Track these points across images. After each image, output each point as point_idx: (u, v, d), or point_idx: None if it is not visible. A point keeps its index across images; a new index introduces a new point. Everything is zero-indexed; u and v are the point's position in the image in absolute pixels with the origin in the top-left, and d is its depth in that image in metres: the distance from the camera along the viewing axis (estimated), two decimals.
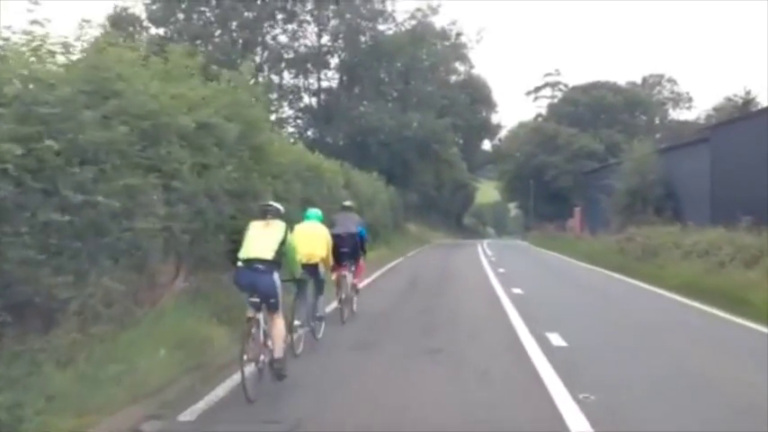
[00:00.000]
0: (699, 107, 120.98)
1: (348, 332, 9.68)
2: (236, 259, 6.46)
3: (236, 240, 8.26)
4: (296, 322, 7.96)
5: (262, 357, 6.20)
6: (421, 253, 32.59)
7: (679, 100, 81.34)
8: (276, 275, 6.35)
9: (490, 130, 50.91)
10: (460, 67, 47.81)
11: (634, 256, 21.23)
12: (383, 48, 40.50)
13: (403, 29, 42.58)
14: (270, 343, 6.33)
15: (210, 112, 10.61)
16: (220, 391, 6.31)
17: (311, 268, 8.38)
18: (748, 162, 21.04)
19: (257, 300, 6.19)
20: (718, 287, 13.54)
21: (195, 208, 9.52)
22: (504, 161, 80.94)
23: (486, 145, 67.99)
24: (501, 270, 20.41)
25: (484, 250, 35.76)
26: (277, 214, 6.70)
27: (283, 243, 6.44)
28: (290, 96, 44.28)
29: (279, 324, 6.46)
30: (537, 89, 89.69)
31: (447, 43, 43.44)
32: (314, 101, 42.66)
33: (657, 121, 79.06)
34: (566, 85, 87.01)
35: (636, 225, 27.68)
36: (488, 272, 20.06)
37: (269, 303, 6.27)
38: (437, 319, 10.94)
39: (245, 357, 5.94)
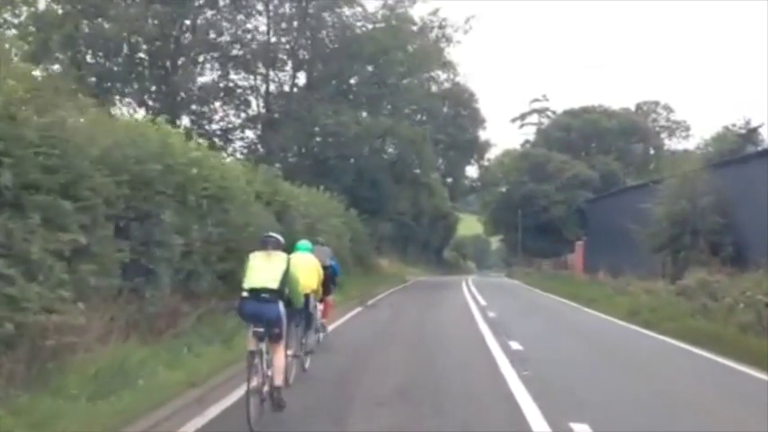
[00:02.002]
0: (696, 136, 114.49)
1: None
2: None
3: None
4: (288, 352, 7.32)
5: (265, 388, 6.04)
6: (388, 300, 23.42)
7: (676, 128, 73.58)
8: (281, 305, 6.23)
9: (478, 147, 42.04)
10: (443, 74, 39.27)
11: (736, 323, 12.20)
12: (349, 43, 31.80)
13: (373, 24, 33.82)
14: (270, 372, 6.16)
15: None
16: None
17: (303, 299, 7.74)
18: None
19: (262, 329, 6.04)
20: None
21: None
22: (489, 190, 72.64)
23: (471, 171, 59.34)
24: (514, 345, 11.31)
25: (472, 294, 26.65)
26: (278, 245, 6.55)
27: (286, 274, 6.33)
28: (237, 101, 35.25)
29: (281, 354, 6.36)
30: (523, 116, 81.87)
31: (431, 34, 34.50)
32: (261, 105, 33.57)
33: (652, 151, 71.03)
34: (554, 112, 79.36)
35: (699, 267, 19.05)
36: (495, 351, 10.85)
37: (273, 333, 6.15)
38: None
39: (249, 388, 5.78)
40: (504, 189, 71.90)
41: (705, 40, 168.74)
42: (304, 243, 9.31)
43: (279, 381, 6.24)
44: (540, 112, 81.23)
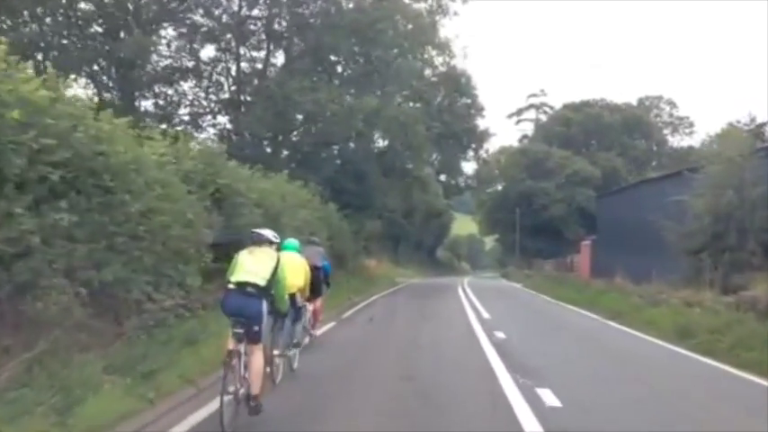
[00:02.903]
0: (701, 132, 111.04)
1: None
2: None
3: None
4: (275, 352, 7.65)
5: (242, 390, 5.80)
6: (370, 310, 19.28)
7: (679, 125, 69.69)
8: (265, 304, 6.03)
9: (476, 137, 37.91)
10: (438, 57, 35.07)
11: None
12: (331, 14, 27.59)
13: None
14: (248, 375, 5.89)
15: None
16: None
17: (289, 298, 7.60)
18: None
19: (241, 330, 5.80)
20: None
21: None
22: (485, 188, 68.82)
23: (467, 168, 55.11)
24: (547, 398, 7.24)
25: (470, 301, 22.66)
26: (261, 240, 6.41)
27: (275, 273, 6.11)
28: (208, 83, 31.05)
29: (258, 358, 6.02)
30: (520, 111, 77.94)
31: (424, 4, 30.23)
32: (231, 84, 29.19)
33: (655, 148, 67.10)
34: (551, 108, 75.50)
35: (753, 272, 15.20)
36: (520, 410, 6.73)
37: (252, 332, 5.85)
38: None
39: (223, 390, 5.47)
40: (500, 187, 68.03)
41: (707, 36, 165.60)
42: (291, 242, 9.03)
43: (255, 389, 5.93)
44: (538, 107, 77.36)
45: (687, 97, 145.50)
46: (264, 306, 5.97)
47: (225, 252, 12.00)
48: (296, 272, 8.18)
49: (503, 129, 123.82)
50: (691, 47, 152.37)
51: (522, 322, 16.17)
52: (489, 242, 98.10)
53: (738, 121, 63.82)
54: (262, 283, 5.91)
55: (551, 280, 35.35)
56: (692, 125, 69.43)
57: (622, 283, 23.34)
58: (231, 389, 5.57)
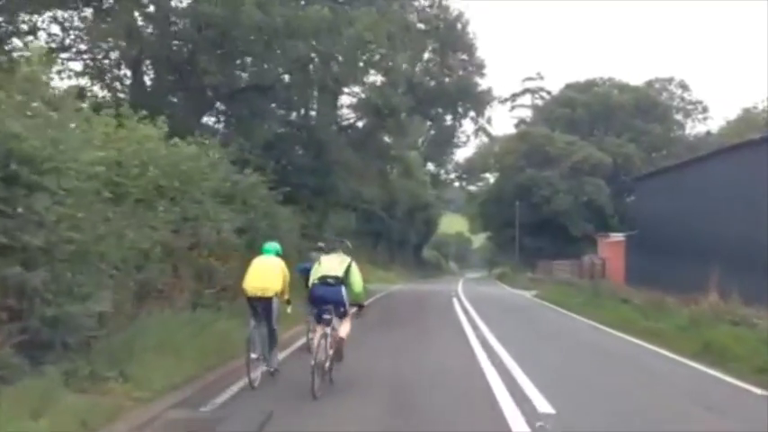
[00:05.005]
0: (717, 117, 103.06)
1: None
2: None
3: None
4: (252, 355, 7.60)
5: (327, 364, 7.22)
6: (290, 363, 9.72)
7: (692, 110, 60.79)
8: (344, 289, 7.51)
9: (474, 99, 28.39)
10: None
11: None
12: None
13: None
14: (338, 332, 7.43)
15: None
16: None
17: (265, 302, 7.90)
18: None
19: (329, 316, 7.31)
20: None
21: None
22: (475, 180, 59.82)
23: (459, 155, 45.76)
24: None
25: (483, 341, 13.23)
26: (346, 249, 7.95)
27: (348, 271, 7.60)
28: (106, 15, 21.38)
29: (347, 324, 7.61)
30: (514, 96, 68.92)
31: None
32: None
33: (674, 133, 58.08)
34: (549, 92, 66.62)
35: None
36: None
37: (339, 312, 7.46)
38: None
39: (312, 363, 6.86)
40: (493, 178, 59.14)
41: (717, 17, 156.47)
42: (269, 245, 8.63)
43: (343, 334, 7.49)
44: (534, 92, 68.42)
45: (699, 80, 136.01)
46: (344, 291, 7.46)
47: None
48: (270, 274, 7.99)
49: (496, 118, 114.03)
50: (701, 28, 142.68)
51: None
52: (477, 241, 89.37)
53: (755, 107, 53.72)
54: (340, 273, 7.50)
55: (575, 288, 26.08)
56: (705, 110, 60.61)
57: (723, 306, 14.04)
58: (318, 362, 6.93)
